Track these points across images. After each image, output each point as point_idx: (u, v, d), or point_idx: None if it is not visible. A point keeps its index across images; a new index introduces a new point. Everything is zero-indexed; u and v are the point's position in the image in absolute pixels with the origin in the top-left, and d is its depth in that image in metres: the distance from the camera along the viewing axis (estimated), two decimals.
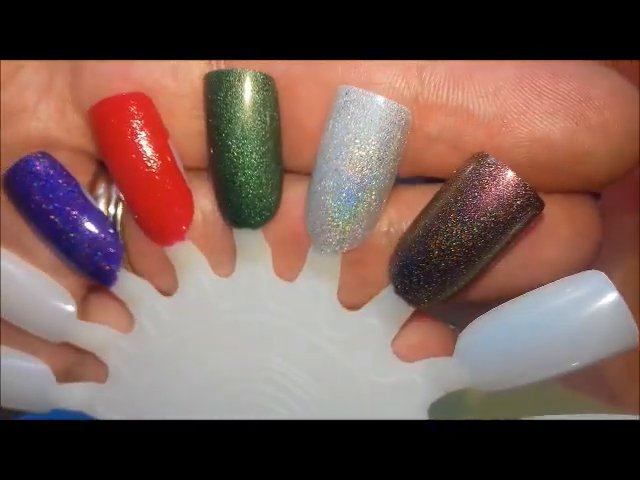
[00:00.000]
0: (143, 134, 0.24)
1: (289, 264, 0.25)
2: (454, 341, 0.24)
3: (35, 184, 0.25)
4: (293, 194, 0.24)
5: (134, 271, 0.26)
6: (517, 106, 0.22)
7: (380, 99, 0.22)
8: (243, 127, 0.24)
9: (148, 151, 0.24)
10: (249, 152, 0.24)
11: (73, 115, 0.25)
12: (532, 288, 0.23)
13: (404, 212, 0.24)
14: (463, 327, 0.24)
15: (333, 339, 0.24)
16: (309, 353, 0.25)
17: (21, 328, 0.27)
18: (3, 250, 0.26)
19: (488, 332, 0.23)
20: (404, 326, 0.24)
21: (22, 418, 0.28)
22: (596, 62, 0.23)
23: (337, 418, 0.24)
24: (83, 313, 0.27)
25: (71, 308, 0.26)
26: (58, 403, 0.27)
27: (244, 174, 0.24)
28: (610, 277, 0.21)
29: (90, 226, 0.25)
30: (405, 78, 0.23)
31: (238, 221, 0.24)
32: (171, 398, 0.26)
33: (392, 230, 0.24)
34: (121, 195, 0.26)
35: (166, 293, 0.26)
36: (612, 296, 0.21)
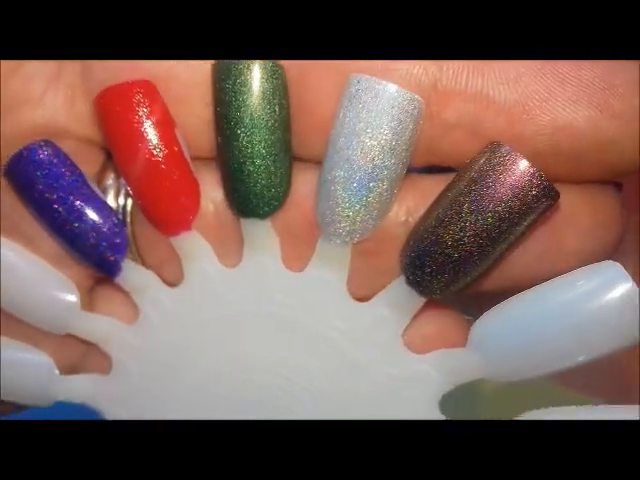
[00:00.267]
0: (149, 122, 0.24)
1: (298, 254, 0.24)
2: (465, 326, 0.24)
3: (38, 173, 0.25)
4: (303, 184, 0.24)
5: (143, 263, 0.26)
6: (539, 93, 0.21)
7: (392, 87, 0.22)
8: (252, 116, 0.23)
9: (154, 139, 0.24)
10: (257, 141, 0.23)
11: (83, 105, 0.25)
12: (551, 278, 0.22)
13: (421, 201, 0.23)
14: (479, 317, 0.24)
15: (342, 330, 0.24)
16: (317, 344, 0.24)
17: (23, 320, 0.27)
18: (3, 239, 0.26)
19: (501, 322, 0.22)
20: (418, 316, 0.24)
21: (23, 416, 0.28)
22: None
23: (345, 410, 0.24)
24: (88, 305, 0.27)
25: (73, 298, 0.26)
26: (60, 395, 0.27)
27: (252, 163, 0.23)
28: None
29: (94, 216, 0.25)
30: (423, 64, 0.22)
31: (246, 211, 0.24)
32: (175, 390, 0.26)
33: (410, 219, 0.23)
34: (129, 190, 0.25)
35: (173, 284, 0.26)
36: (627, 286, 0.21)
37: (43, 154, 0.25)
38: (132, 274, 0.25)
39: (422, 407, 0.24)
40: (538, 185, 0.22)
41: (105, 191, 0.26)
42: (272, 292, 0.25)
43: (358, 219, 0.23)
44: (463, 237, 0.22)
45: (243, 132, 0.23)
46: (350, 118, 0.23)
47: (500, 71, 0.22)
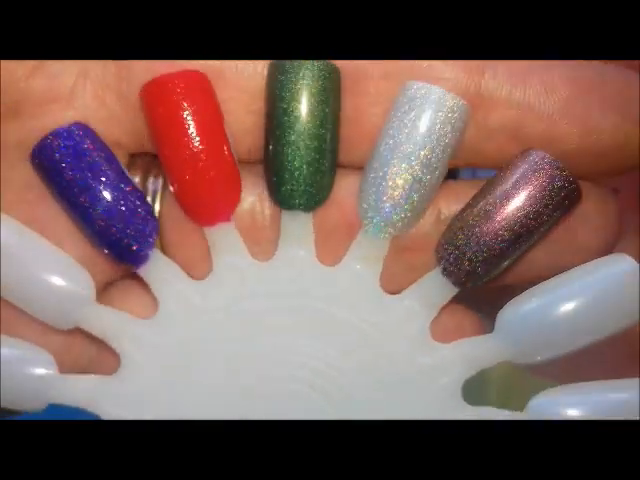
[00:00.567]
0: (196, 112, 0.24)
1: (333, 251, 0.25)
2: (482, 327, 0.26)
3: (67, 157, 0.24)
4: (343, 186, 0.25)
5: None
6: (571, 101, 0.24)
7: (445, 93, 0.24)
8: (306, 111, 0.24)
9: (201, 129, 0.24)
10: (309, 136, 0.24)
11: (114, 105, 0.25)
12: (564, 271, 0.25)
13: (453, 202, 0.25)
14: (488, 314, 0.26)
15: (373, 322, 0.25)
16: (349, 337, 0.25)
17: (27, 314, 0.26)
18: (4, 217, 0.25)
19: (526, 308, 0.25)
20: (440, 311, 0.26)
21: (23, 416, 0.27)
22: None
23: (372, 400, 0.25)
24: (103, 299, 0.26)
25: (87, 287, 0.25)
26: (58, 397, 0.26)
27: (302, 157, 0.24)
28: None
29: (123, 201, 0.25)
30: (470, 75, 0.24)
31: (291, 204, 0.25)
32: (193, 388, 0.26)
33: (442, 218, 0.25)
34: (157, 188, 0.26)
35: (196, 279, 0.26)
36: (636, 273, 0.24)
37: (72, 138, 0.24)
38: (156, 265, 0.25)
39: (447, 394, 0.25)
40: (567, 187, 0.24)
41: None
42: (305, 285, 0.26)
43: (401, 214, 0.25)
44: (498, 232, 0.24)
45: (296, 126, 0.24)
46: (402, 119, 0.24)
47: (539, 81, 0.24)
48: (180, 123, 0.24)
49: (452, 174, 0.25)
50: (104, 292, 0.27)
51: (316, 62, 0.24)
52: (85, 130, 0.25)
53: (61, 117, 0.25)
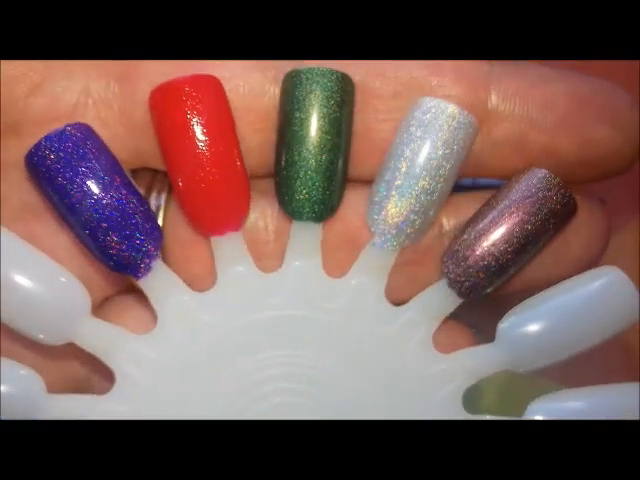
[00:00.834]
0: (209, 117, 0.24)
1: (340, 263, 0.26)
2: (475, 341, 0.27)
3: (64, 162, 0.24)
4: (349, 197, 0.26)
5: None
6: (570, 115, 0.25)
7: (455, 109, 0.25)
8: (318, 124, 0.24)
9: (212, 134, 0.24)
10: (323, 146, 0.24)
11: (116, 124, 0.25)
12: (560, 280, 0.26)
13: (453, 216, 0.26)
14: (481, 329, 0.27)
15: (376, 332, 0.26)
16: (351, 346, 0.25)
17: (19, 333, 0.25)
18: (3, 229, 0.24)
19: (525, 318, 0.25)
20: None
21: None
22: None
23: (374, 410, 0.25)
24: (97, 315, 0.25)
25: (84, 300, 0.25)
26: (44, 418, 0.25)
27: (316, 167, 0.24)
28: None
29: (126, 209, 0.24)
30: (476, 91, 0.25)
31: (302, 213, 0.25)
32: (192, 406, 0.25)
33: (444, 232, 0.26)
34: (160, 203, 0.26)
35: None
36: (627, 284, 0.25)
37: (71, 140, 0.24)
38: (156, 276, 0.25)
39: (448, 403, 0.26)
40: (565, 202, 0.25)
41: None
42: (311, 296, 0.26)
43: (410, 225, 0.25)
44: (502, 245, 0.25)
45: (311, 136, 0.24)
46: (414, 134, 0.25)
47: (541, 96, 0.25)
48: (191, 128, 0.24)
49: (455, 184, 0.26)
50: (100, 309, 0.26)
51: (333, 73, 0.24)
52: (83, 132, 0.24)
53: None
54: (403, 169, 0.25)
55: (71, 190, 0.24)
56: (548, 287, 0.26)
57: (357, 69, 0.25)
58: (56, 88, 0.25)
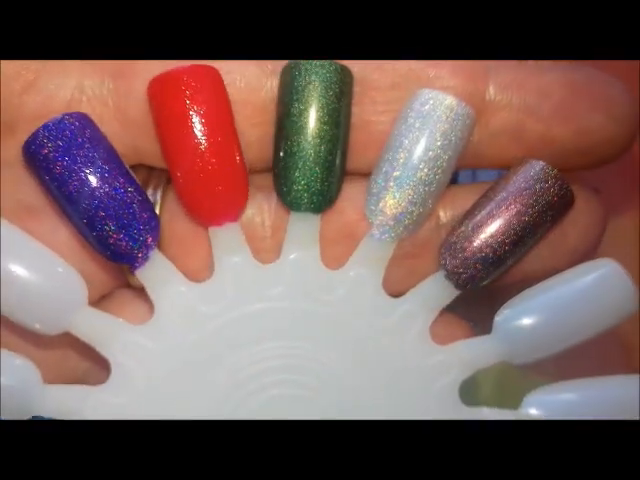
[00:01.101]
0: (208, 107, 0.24)
1: (338, 256, 0.26)
2: (472, 334, 0.26)
3: (62, 150, 0.24)
4: (352, 187, 0.26)
5: None
6: (565, 104, 0.26)
7: (453, 100, 0.25)
8: (317, 115, 0.24)
9: (210, 124, 0.24)
10: (322, 137, 0.24)
11: (111, 121, 0.25)
12: (556, 272, 0.26)
13: (450, 209, 0.26)
14: (478, 321, 0.27)
15: (374, 324, 0.26)
16: (349, 337, 0.25)
17: (17, 324, 0.25)
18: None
19: (522, 310, 0.25)
20: (434, 322, 0.26)
21: None
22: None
23: (372, 400, 0.25)
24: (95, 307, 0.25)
25: (81, 290, 0.25)
26: (40, 409, 0.25)
27: (315, 158, 0.25)
28: None
29: (124, 198, 0.24)
30: (474, 83, 0.25)
31: (300, 204, 0.25)
32: (189, 396, 0.25)
33: (440, 224, 0.26)
34: (156, 199, 0.26)
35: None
36: (622, 277, 0.25)
37: (69, 128, 0.24)
38: (153, 266, 0.25)
39: (445, 394, 0.26)
40: (562, 193, 0.25)
41: None
42: (309, 287, 0.26)
43: (408, 217, 0.25)
44: (499, 237, 0.25)
45: (310, 127, 0.24)
46: (413, 125, 0.25)
47: (537, 86, 0.26)
48: (190, 118, 0.24)
49: (453, 176, 0.26)
50: (98, 305, 0.26)
51: (332, 65, 0.24)
52: (81, 121, 0.24)
53: None
54: (401, 160, 0.25)
55: (69, 179, 0.24)
56: (545, 278, 0.26)
57: (355, 61, 0.25)
58: (50, 86, 0.25)
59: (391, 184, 0.25)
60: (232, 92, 0.25)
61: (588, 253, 0.27)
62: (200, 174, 0.24)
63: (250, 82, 0.25)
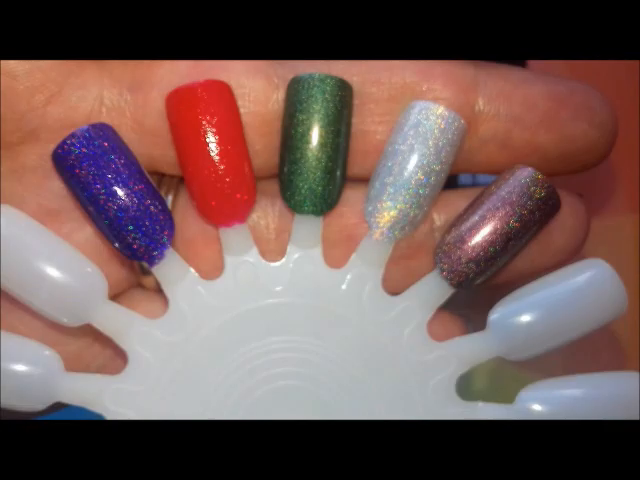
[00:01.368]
0: (219, 119, 0.26)
1: (338, 258, 0.28)
2: (466, 331, 0.28)
3: (87, 157, 0.26)
4: (352, 193, 0.28)
5: None
6: (550, 113, 0.27)
7: (445, 110, 0.27)
8: (321, 125, 0.26)
9: (222, 134, 0.26)
10: (323, 146, 0.26)
11: (128, 131, 0.27)
12: (545, 271, 0.27)
13: (443, 212, 0.28)
14: (473, 319, 0.28)
15: (373, 321, 0.27)
16: (349, 334, 0.27)
17: (40, 314, 0.26)
18: (24, 215, 0.26)
19: (517, 308, 0.27)
20: (430, 320, 0.28)
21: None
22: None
23: (370, 395, 0.27)
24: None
25: (101, 285, 0.26)
26: (61, 395, 0.26)
27: (316, 165, 0.26)
28: None
29: (142, 200, 0.26)
30: (465, 94, 0.27)
31: (303, 207, 0.27)
32: (201, 386, 0.27)
33: (434, 227, 0.28)
34: (169, 201, 0.28)
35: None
36: (612, 276, 0.27)
37: (92, 139, 0.26)
38: (168, 264, 0.27)
39: (442, 389, 0.27)
40: (549, 197, 0.27)
41: None
42: (312, 285, 0.27)
43: (404, 220, 0.27)
44: (491, 238, 0.27)
45: (314, 136, 0.26)
46: (408, 133, 0.27)
47: (524, 97, 0.27)
48: (203, 127, 0.26)
49: (452, 180, 0.28)
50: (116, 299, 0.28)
51: (333, 79, 0.26)
52: (104, 131, 0.26)
53: None
54: (397, 167, 0.27)
55: (93, 183, 0.26)
56: (534, 277, 0.28)
57: (354, 76, 0.27)
58: (72, 97, 0.27)
59: (388, 189, 0.27)
60: (242, 104, 0.27)
61: (573, 253, 0.29)
62: (211, 179, 0.26)
63: (258, 95, 0.27)
